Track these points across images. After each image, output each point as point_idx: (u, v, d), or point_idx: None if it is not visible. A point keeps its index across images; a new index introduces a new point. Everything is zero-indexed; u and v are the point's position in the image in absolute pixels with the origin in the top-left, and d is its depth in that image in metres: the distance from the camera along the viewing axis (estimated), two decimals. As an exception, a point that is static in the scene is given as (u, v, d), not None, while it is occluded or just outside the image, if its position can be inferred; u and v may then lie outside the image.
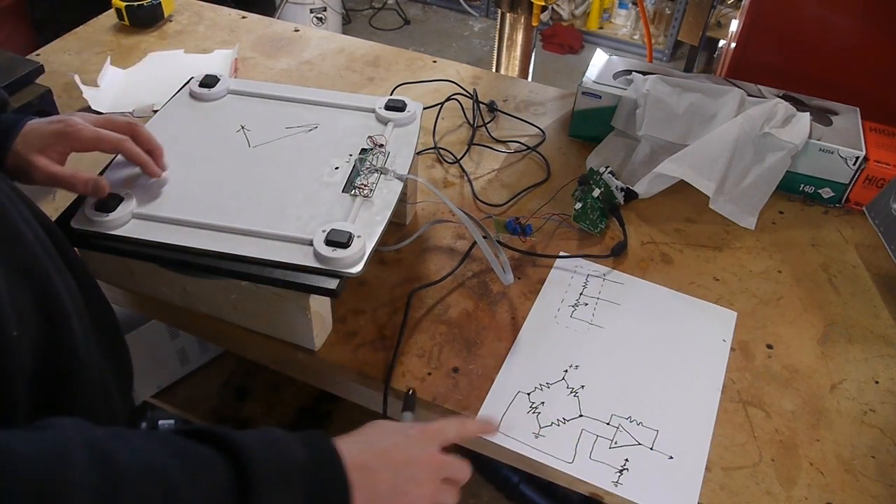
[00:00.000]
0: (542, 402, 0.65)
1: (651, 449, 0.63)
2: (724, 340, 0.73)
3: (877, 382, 0.70)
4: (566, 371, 0.68)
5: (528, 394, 0.66)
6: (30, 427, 0.37)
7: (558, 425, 0.64)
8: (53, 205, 0.80)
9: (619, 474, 0.61)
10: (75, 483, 0.34)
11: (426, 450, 0.51)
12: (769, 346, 0.72)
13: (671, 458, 0.62)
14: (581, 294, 0.76)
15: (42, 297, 0.47)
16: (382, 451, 0.49)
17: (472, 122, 1.00)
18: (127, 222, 0.64)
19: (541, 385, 0.67)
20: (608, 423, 0.64)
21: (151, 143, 0.67)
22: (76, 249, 0.61)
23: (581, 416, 0.65)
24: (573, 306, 0.75)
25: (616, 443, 0.63)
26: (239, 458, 0.40)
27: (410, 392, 0.65)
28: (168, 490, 0.37)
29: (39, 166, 0.61)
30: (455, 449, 0.55)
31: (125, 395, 0.61)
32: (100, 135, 0.63)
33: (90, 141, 0.63)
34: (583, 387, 0.67)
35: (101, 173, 0.68)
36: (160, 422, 1.23)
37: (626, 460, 0.62)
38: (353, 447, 0.47)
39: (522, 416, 0.64)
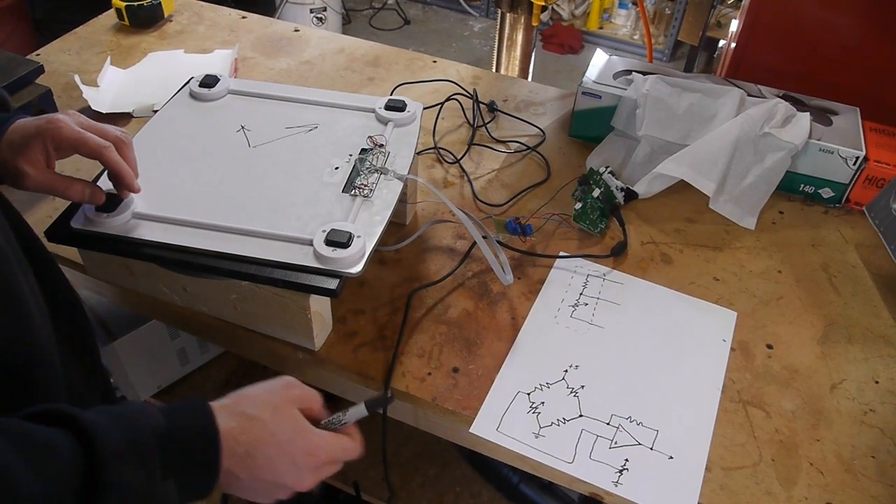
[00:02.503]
0: (543, 402, 0.65)
1: (651, 449, 0.63)
2: (724, 340, 0.73)
3: (877, 382, 0.70)
4: (566, 371, 0.68)
5: (528, 394, 0.66)
6: None
7: (558, 425, 0.64)
8: (53, 204, 0.80)
9: (619, 474, 0.60)
10: None
11: (305, 476, 0.51)
12: (769, 346, 0.72)
13: (671, 457, 0.62)
14: (581, 294, 0.76)
15: (3, 293, 0.46)
16: (258, 447, 0.48)
17: (472, 122, 1.00)
18: (127, 222, 0.64)
19: (541, 385, 0.67)
20: (608, 423, 0.64)
21: (133, 164, 0.64)
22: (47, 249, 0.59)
23: (581, 416, 0.65)
24: (573, 306, 0.75)
25: (616, 443, 0.63)
26: (85, 435, 0.39)
27: (389, 395, 0.64)
28: (7, 486, 0.35)
29: (29, 173, 0.59)
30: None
31: (97, 393, 0.60)
32: (81, 136, 0.59)
33: (69, 140, 0.59)
34: (583, 387, 0.67)
35: (102, 173, 0.68)
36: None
37: (626, 460, 0.61)
38: (229, 420, 0.47)
39: (522, 416, 0.64)
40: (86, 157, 0.61)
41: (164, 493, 0.42)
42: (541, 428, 0.63)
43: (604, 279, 0.78)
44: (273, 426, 0.49)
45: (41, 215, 0.79)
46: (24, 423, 0.39)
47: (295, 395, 0.52)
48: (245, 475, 0.48)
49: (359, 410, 0.55)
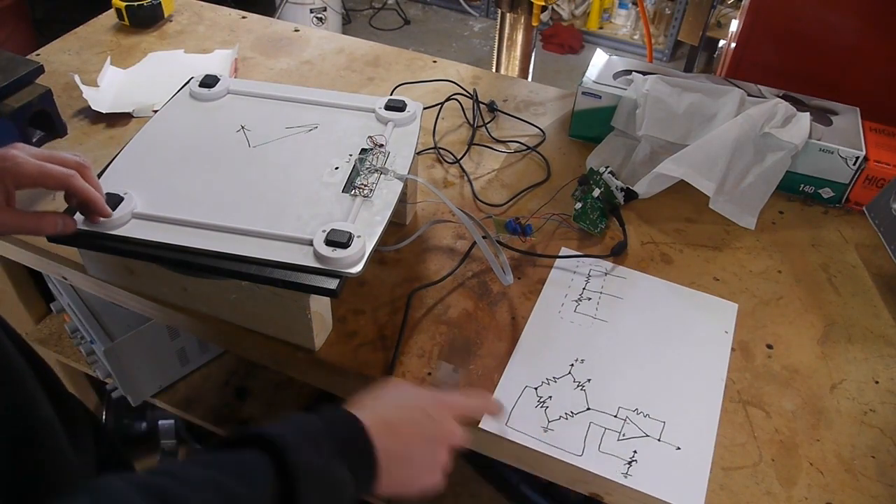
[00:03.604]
0: (550, 397, 0.66)
1: (659, 440, 0.63)
2: (726, 332, 0.73)
3: (877, 382, 0.70)
4: (572, 365, 0.69)
5: (536, 388, 0.67)
6: (82, 491, 0.37)
7: (566, 419, 0.64)
8: (54, 204, 0.80)
9: (628, 466, 0.61)
10: None
11: (442, 426, 0.55)
12: (769, 346, 0.73)
13: (679, 448, 0.63)
14: (584, 289, 0.77)
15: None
16: (401, 423, 0.53)
17: (472, 122, 1.00)
18: (127, 222, 0.64)
19: (547, 380, 0.67)
20: (615, 416, 0.65)
21: (98, 187, 0.62)
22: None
23: (588, 409, 0.65)
24: (577, 301, 0.75)
25: (624, 435, 0.63)
26: (265, 439, 0.44)
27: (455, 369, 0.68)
28: (227, 497, 0.40)
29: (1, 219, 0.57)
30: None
31: (80, 447, 0.60)
32: (44, 169, 0.57)
33: (33, 176, 0.57)
34: (589, 380, 0.67)
35: (101, 174, 0.68)
36: (160, 422, 1.24)
37: (635, 452, 0.62)
38: (374, 416, 0.51)
39: (531, 410, 0.65)
40: (51, 190, 0.59)
41: (340, 477, 0.46)
42: (549, 422, 0.64)
43: (605, 275, 0.78)
44: (395, 395, 0.55)
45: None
46: (221, 453, 0.44)
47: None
48: (396, 444, 0.51)
49: (443, 370, 0.66)
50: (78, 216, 0.63)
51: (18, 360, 0.52)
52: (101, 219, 0.62)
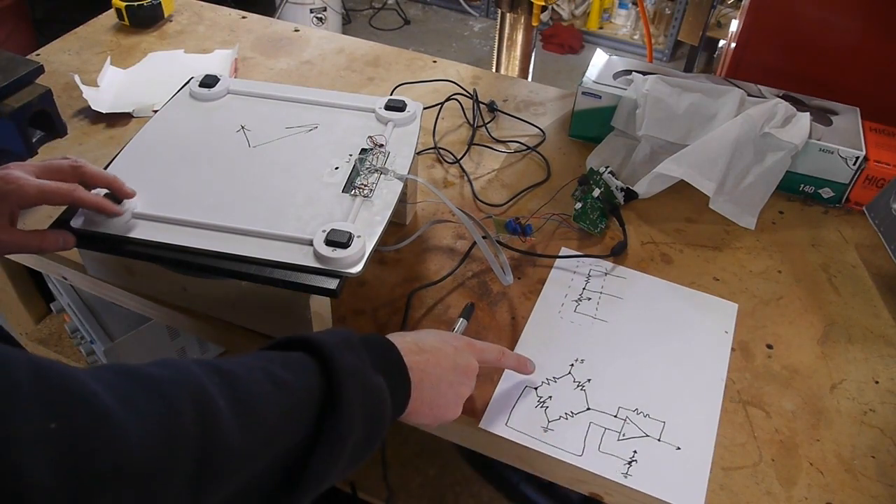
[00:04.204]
0: (550, 397, 0.66)
1: (659, 440, 0.63)
2: (726, 332, 0.73)
3: (877, 382, 0.70)
4: (572, 365, 0.69)
5: (536, 388, 0.67)
6: (152, 364, 0.42)
7: (566, 419, 0.64)
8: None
9: (628, 465, 0.61)
10: (208, 388, 0.40)
11: (469, 360, 0.59)
12: (769, 346, 0.73)
13: (679, 448, 0.63)
14: (584, 289, 0.77)
15: None
16: (431, 350, 0.56)
17: (472, 122, 1.00)
18: (127, 222, 0.64)
19: (548, 379, 0.67)
20: (615, 416, 0.65)
21: (104, 179, 0.63)
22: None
23: (588, 409, 0.65)
24: (577, 301, 0.75)
25: (624, 435, 0.63)
26: (310, 342, 0.47)
27: (471, 304, 0.72)
28: (273, 379, 0.43)
29: (3, 239, 0.58)
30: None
31: None
32: (45, 188, 0.58)
33: (35, 197, 0.58)
34: (589, 380, 0.68)
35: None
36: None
37: (635, 452, 0.62)
38: (404, 340, 0.55)
39: (531, 410, 0.65)
40: (56, 206, 0.61)
41: (378, 384, 0.49)
42: (549, 422, 0.64)
43: (605, 275, 0.78)
44: (425, 331, 0.60)
45: (41, 215, 0.79)
46: (269, 351, 0.48)
47: None
48: (426, 367, 0.54)
49: (461, 324, 0.69)
50: (77, 217, 0.63)
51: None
52: (103, 217, 0.63)
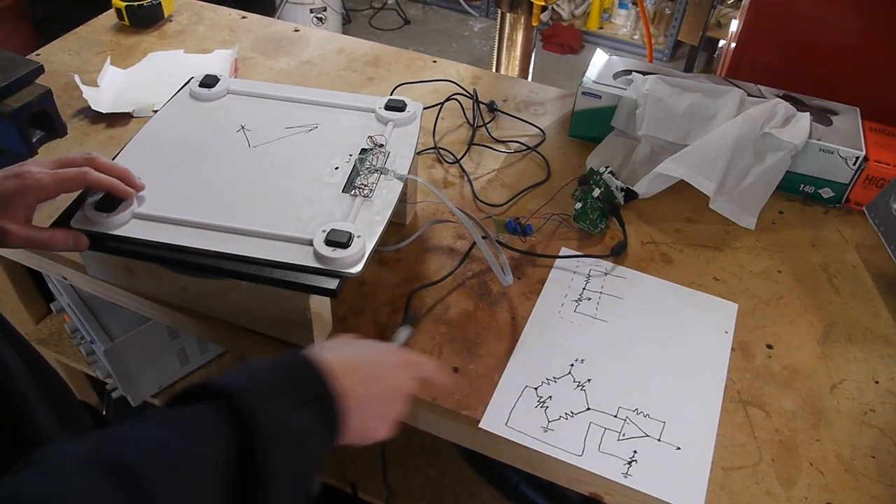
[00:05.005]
0: (550, 397, 0.66)
1: (658, 440, 0.63)
2: (726, 332, 0.73)
3: (877, 382, 0.70)
4: (572, 365, 0.69)
5: (536, 388, 0.67)
6: (29, 462, 0.35)
7: (566, 419, 0.64)
8: (55, 204, 0.80)
9: (628, 466, 0.61)
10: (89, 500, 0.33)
11: (402, 381, 0.55)
12: (769, 346, 0.72)
13: (679, 448, 0.63)
14: (584, 289, 0.77)
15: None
16: (362, 369, 0.52)
17: (472, 122, 1.00)
18: (127, 222, 0.64)
19: (547, 380, 0.67)
20: (615, 416, 0.65)
21: (115, 170, 0.64)
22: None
23: (588, 409, 0.65)
24: (577, 301, 0.75)
25: (624, 435, 0.63)
26: (228, 398, 0.42)
27: (413, 314, 0.70)
28: (179, 460, 0.37)
29: (12, 232, 0.58)
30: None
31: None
32: (60, 176, 0.59)
33: (53, 186, 0.59)
34: (589, 380, 0.68)
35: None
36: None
37: (635, 452, 0.62)
38: (335, 357, 0.50)
39: (531, 410, 0.65)
40: (73, 192, 0.62)
41: (302, 427, 0.44)
42: (549, 422, 0.64)
43: (605, 275, 0.78)
44: (356, 344, 0.56)
45: (41, 215, 0.78)
46: (170, 410, 0.42)
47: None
48: (360, 388, 0.50)
49: (403, 333, 0.66)
50: (77, 217, 0.63)
51: (16, 366, 0.52)
52: (106, 217, 0.63)
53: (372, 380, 0.52)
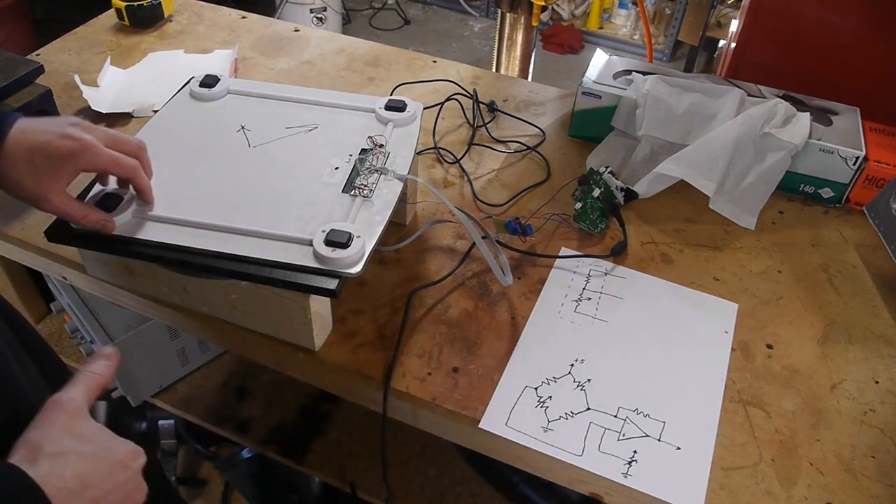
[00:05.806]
0: (550, 397, 0.66)
1: (659, 440, 0.63)
2: (726, 332, 0.73)
3: (877, 382, 0.70)
4: (572, 365, 0.69)
5: (536, 388, 0.66)
6: None
7: (566, 419, 0.64)
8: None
9: (628, 466, 0.61)
10: None
11: (135, 489, 0.48)
12: (769, 346, 0.72)
13: (679, 448, 0.63)
14: (584, 289, 0.77)
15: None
16: (95, 485, 0.44)
17: (472, 122, 1.00)
18: (127, 222, 0.64)
19: (547, 380, 0.67)
20: (615, 416, 0.65)
21: (150, 172, 0.65)
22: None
23: (588, 409, 0.65)
24: (577, 301, 0.75)
25: (624, 435, 0.63)
26: None
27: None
28: None
29: (53, 199, 0.56)
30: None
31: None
32: (116, 159, 0.59)
33: (105, 164, 0.58)
34: (589, 380, 0.68)
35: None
36: (160, 422, 1.24)
37: (635, 452, 0.62)
38: (62, 480, 0.42)
39: (531, 410, 0.65)
40: (115, 176, 0.62)
41: None
42: (549, 422, 0.64)
43: (605, 275, 0.78)
44: (78, 444, 0.45)
45: (42, 216, 0.78)
46: None
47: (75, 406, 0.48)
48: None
49: (101, 409, 0.53)
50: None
51: (16, 367, 0.51)
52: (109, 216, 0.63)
53: (104, 497, 0.44)
